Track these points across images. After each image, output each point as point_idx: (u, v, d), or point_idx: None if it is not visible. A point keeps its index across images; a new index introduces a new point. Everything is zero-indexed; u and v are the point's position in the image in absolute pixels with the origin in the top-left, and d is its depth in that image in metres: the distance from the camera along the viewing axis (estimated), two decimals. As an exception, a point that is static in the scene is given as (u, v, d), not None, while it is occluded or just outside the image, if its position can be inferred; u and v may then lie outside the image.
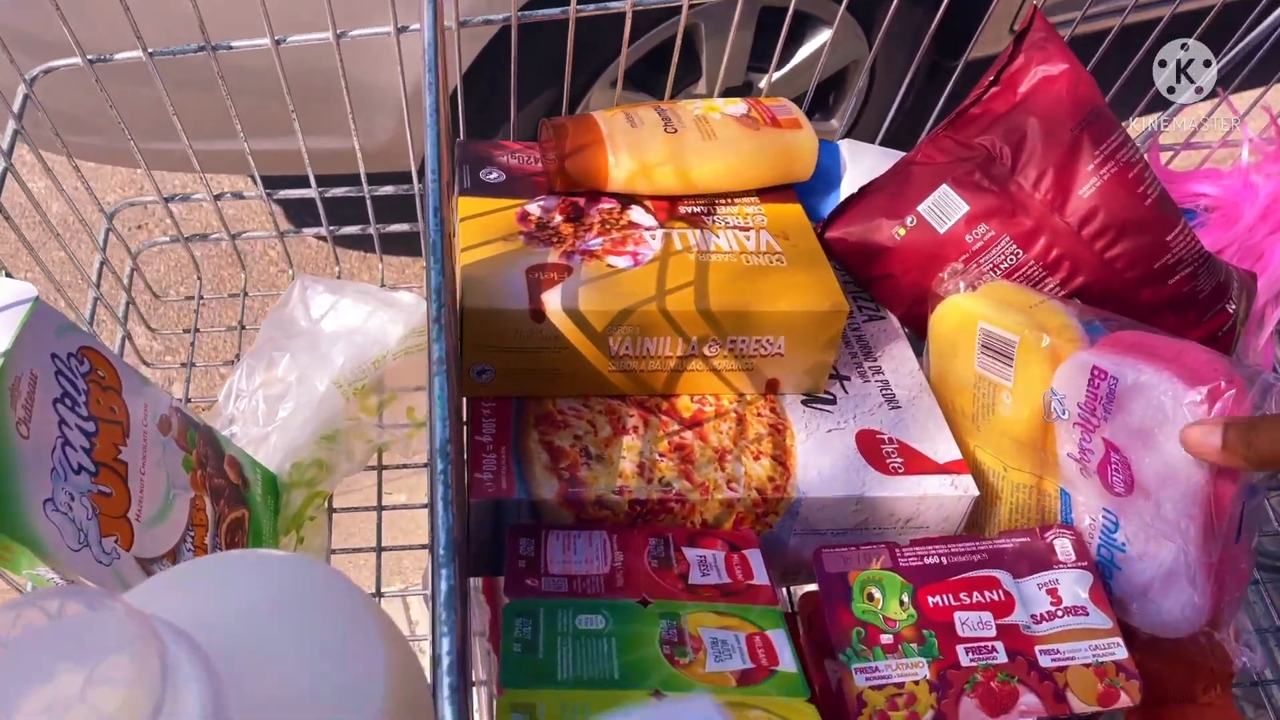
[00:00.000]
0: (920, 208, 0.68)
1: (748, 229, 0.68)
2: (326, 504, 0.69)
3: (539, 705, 0.45)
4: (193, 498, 0.58)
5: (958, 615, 0.55)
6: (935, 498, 0.60)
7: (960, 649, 0.53)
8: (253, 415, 0.69)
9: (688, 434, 0.62)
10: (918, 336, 0.73)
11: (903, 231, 0.68)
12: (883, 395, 0.66)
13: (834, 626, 0.54)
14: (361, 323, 0.72)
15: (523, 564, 0.55)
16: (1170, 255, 0.65)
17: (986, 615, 0.55)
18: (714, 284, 0.62)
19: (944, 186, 0.67)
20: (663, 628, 0.51)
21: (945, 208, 0.67)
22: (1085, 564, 0.57)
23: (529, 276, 0.61)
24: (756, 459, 0.61)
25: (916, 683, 0.52)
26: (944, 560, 0.57)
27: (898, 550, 0.57)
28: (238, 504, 0.62)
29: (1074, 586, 0.56)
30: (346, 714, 0.31)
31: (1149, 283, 0.66)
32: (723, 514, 0.59)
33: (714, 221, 0.68)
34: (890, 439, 0.63)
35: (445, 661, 0.30)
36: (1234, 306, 0.69)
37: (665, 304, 0.61)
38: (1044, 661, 0.53)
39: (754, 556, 0.57)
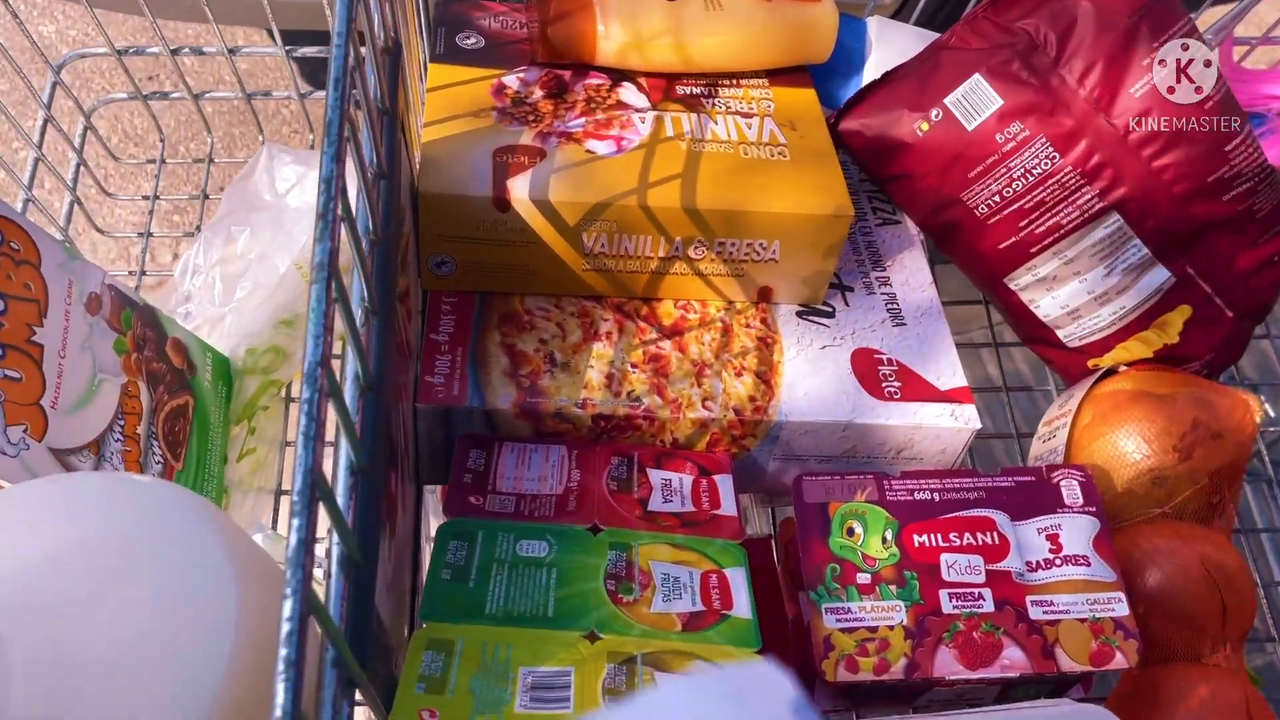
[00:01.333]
0: (948, 100, 0.60)
1: (750, 115, 0.60)
2: (283, 393, 0.65)
3: (457, 642, 0.41)
4: (124, 384, 0.54)
5: (944, 557, 0.50)
6: (932, 428, 0.55)
7: (943, 594, 0.49)
8: (209, 294, 0.65)
9: (665, 344, 0.56)
10: (936, 246, 0.66)
11: (926, 126, 0.60)
12: (888, 310, 0.60)
13: (807, 561, 0.49)
14: (329, 199, 0.66)
15: (469, 478, 0.50)
16: (1228, 168, 0.57)
17: (976, 559, 0.50)
18: (705, 178, 0.56)
19: (976, 76, 0.59)
20: (610, 560, 0.46)
21: (976, 101, 0.59)
22: (1094, 509, 0.52)
23: (495, 159, 0.54)
24: (738, 375, 0.55)
25: (891, 628, 0.48)
26: (936, 496, 0.52)
27: (886, 482, 0.52)
28: (181, 390, 0.58)
29: (1078, 533, 0.51)
30: (181, 669, 0.27)
31: (1201, 198, 0.58)
32: (695, 434, 0.54)
33: (714, 105, 0.61)
34: (889, 360, 0.57)
35: (285, 629, 0.26)
36: (1299, 230, 0.61)
37: (647, 199, 0.54)
38: (1034, 613, 0.48)
39: (724, 483, 0.52)
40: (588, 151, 0.56)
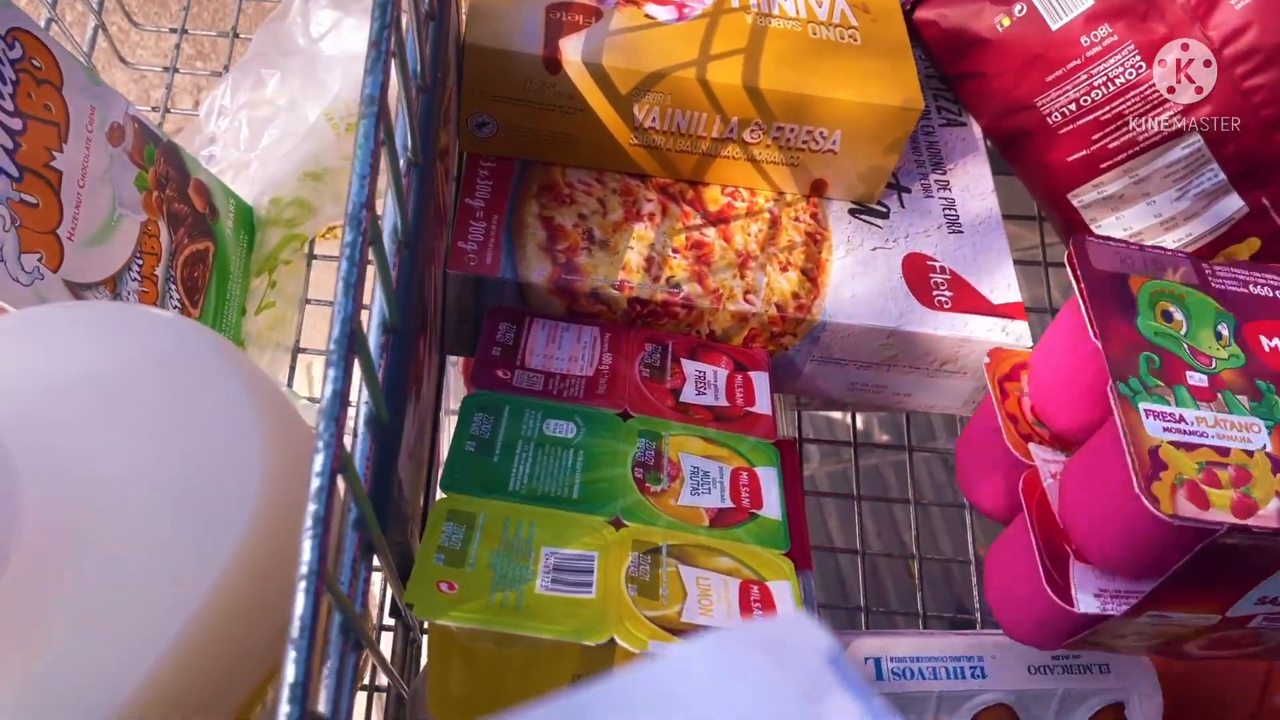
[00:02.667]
0: (1034, -5, 0.56)
1: (822, -6, 0.56)
2: (305, 248, 0.63)
3: (479, 515, 0.40)
4: (144, 222, 0.52)
5: None
6: (981, 342, 0.52)
7: None
8: (234, 137, 0.62)
9: (710, 231, 0.54)
10: (1000, 154, 0.63)
11: (1007, 21, 0.56)
12: (945, 215, 0.57)
13: (1109, 341, 0.35)
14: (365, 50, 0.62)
15: (497, 351, 0.48)
16: (1327, 95, 0.54)
17: None
18: (769, 56, 0.52)
19: (1069, -28, 0.55)
20: (639, 448, 0.45)
21: (1065, -1, 0.55)
22: None
23: (549, 16, 0.51)
24: (784, 270, 0.53)
25: (1250, 454, 0.33)
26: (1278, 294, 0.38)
27: (1206, 267, 0.39)
28: (202, 235, 0.56)
29: None
30: (201, 513, 0.26)
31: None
32: (733, 328, 0.52)
33: (783, -21, 0.57)
34: (942, 268, 0.55)
35: (314, 484, 0.24)
36: (1386, 169, 0.57)
37: (707, 73, 0.51)
38: None
39: (760, 381, 0.50)
40: (647, 16, 0.52)
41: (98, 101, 0.49)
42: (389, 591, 0.62)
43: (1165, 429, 0.33)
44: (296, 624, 0.23)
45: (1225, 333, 0.37)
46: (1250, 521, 0.31)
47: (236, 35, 0.68)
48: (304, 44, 0.63)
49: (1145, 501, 0.31)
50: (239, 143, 0.62)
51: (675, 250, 0.53)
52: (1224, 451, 0.33)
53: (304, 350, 0.62)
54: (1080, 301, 0.38)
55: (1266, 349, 0.37)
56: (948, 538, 0.81)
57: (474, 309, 0.52)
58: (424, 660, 0.51)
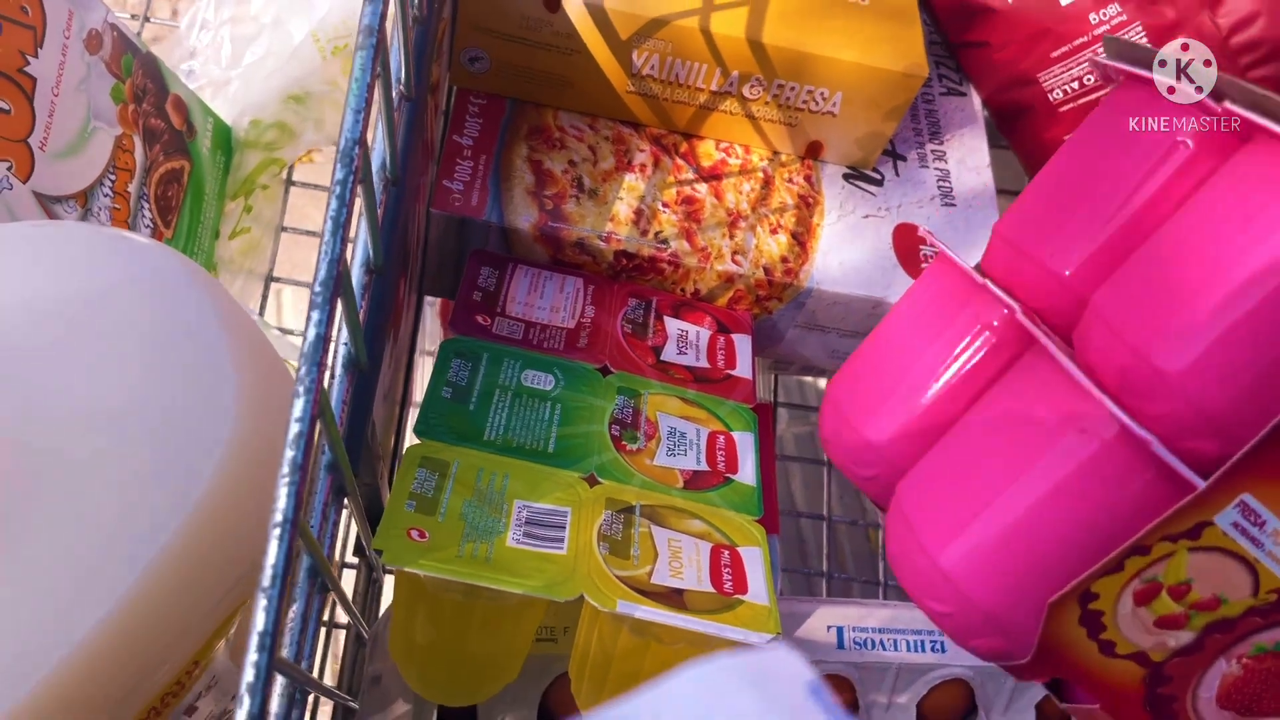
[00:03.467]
0: (1047, -32, 0.55)
1: (832, -50, 0.55)
2: (284, 174, 0.61)
3: (452, 464, 0.39)
4: (119, 135, 0.50)
5: None
6: (964, 319, 0.52)
7: None
8: (215, 53, 0.59)
9: (701, 187, 0.53)
10: (997, 128, 0.62)
11: (1017, -6, 0.55)
12: (939, 187, 0.56)
13: None
14: (357, -30, 0.60)
15: (478, 296, 0.47)
16: (1327, 90, 0.53)
17: None
18: (774, 10, 0.51)
19: (1084, -54, 0.54)
20: (618, 405, 0.44)
21: (1078, -26, 0.54)
22: None
23: (552, -48, 0.49)
24: (774, 232, 0.52)
25: None
26: None
27: None
28: (177, 153, 0.54)
29: None
30: (172, 447, 0.25)
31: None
32: (719, 288, 0.51)
33: (794, -68, 0.55)
34: (933, 242, 0.54)
35: (293, 430, 0.23)
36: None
37: (709, 22, 0.49)
38: None
39: (743, 344, 0.50)
40: (653, -40, 0.51)
41: (76, 6, 0.47)
42: (353, 528, 0.61)
43: None
44: (269, 572, 0.23)
45: None
46: None
47: (222, -55, 0.65)
48: (293, -40, 0.61)
49: None
50: (220, 59, 0.59)
51: (665, 204, 0.52)
52: None
53: (277, 279, 0.61)
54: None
55: None
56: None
57: (456, 251, 0.51)
58: (385, 602, 0.51)
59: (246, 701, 0.22)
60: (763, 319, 0.53)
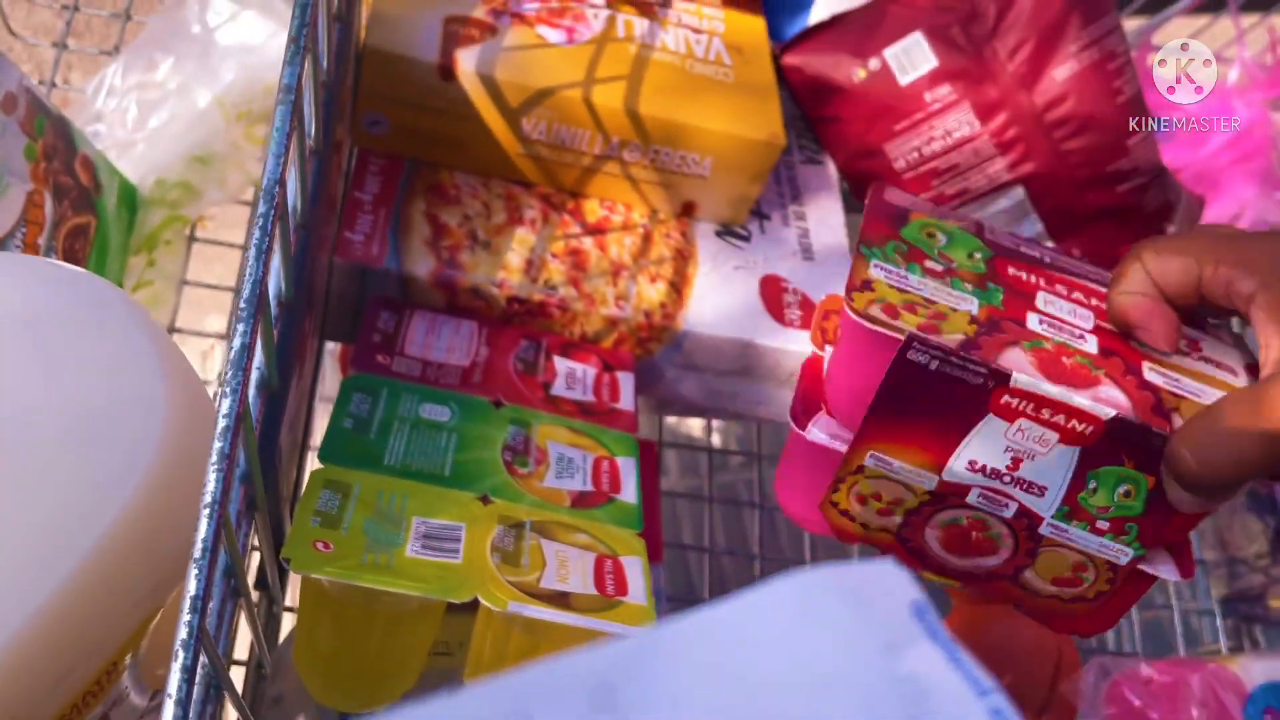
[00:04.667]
0: (887, 52, 0.62)
1: (700, 32, 0.62)
2: (188, 230, 0.64)
3: (354, 485, 0.42)
4: (30, 191, 0.52)
5: (1042, 294, 0.39)
6: (824, 359, 0.58)
7: (1032, 317, 0.38)
8: (121, 118, 0.62)
9: (587, 240, 0.58)
10: (851, 192, 0.69)
11: (863, 74, 0.63)
12: (800, 244, 0.63)
13: (867, 233, 0.39)
14: (262, 42, 0.64)
15: (378, 339, 0.51)
16: (1127, 160, 0.62)
17: (1087, 313, 0.39)
18: (649, 84, 0.57)
19: (917, 34, 0.61)
20: (510, 434, 0.48)
21: (913, 58, 0.62)
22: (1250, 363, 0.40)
23: (446, 27, 0.54)
24: (653, 281, 0.57)
25: (955, 310, 0.37)
26: (1046, 258, 0.43)
27: (986, 225, 0.43)
28: (84, 209, 0.57)
29: (1226, 354, 0.40)
30: (111, 452, 0.28)
31: (1098, 185, 0.62)
32: (604, 330, 0.56)
33: (666, 15, 0.62)
34: (795, 290, 0.60)
35: (220, 424, 0.27)
36: (1174, 229, 0.66)
37: (592, 94, 0.55)
38: (1152, 378, 0.37)
39: (625, 380, 0.54)
40: (539, 36, 0.56)
41: (-9, 68, 0.50)
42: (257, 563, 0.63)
43: (885, 274, 0.37)
44: (200, 546, 0.26)
45: (979, 256, 0.41)
46: (933, 337, 0.34)
47: (129, 17, 0.68)
48: (199, 31, 0.64)
49: (845, 302, 0.36)
50: (126, 123, 0.62)
51: (554, 255, 0.56)
52: (930, 302, 0.36)
53: (179, 330, 0.63)
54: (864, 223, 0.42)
55: (1009, 274, 0.40)
56: (787, 537, 0.87)
57: (356, 298, 0.54)
58: (283, 634, 0.52)
59: (180, 655, 0.25)
60: (645, 360, 0.58)
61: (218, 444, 0.27)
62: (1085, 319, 0.39)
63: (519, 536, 0.43)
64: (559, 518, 0.45)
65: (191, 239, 0.64)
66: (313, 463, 0.61)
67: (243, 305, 0.28)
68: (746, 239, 0.62)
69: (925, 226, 0.42)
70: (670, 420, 0.91)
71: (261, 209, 0.29)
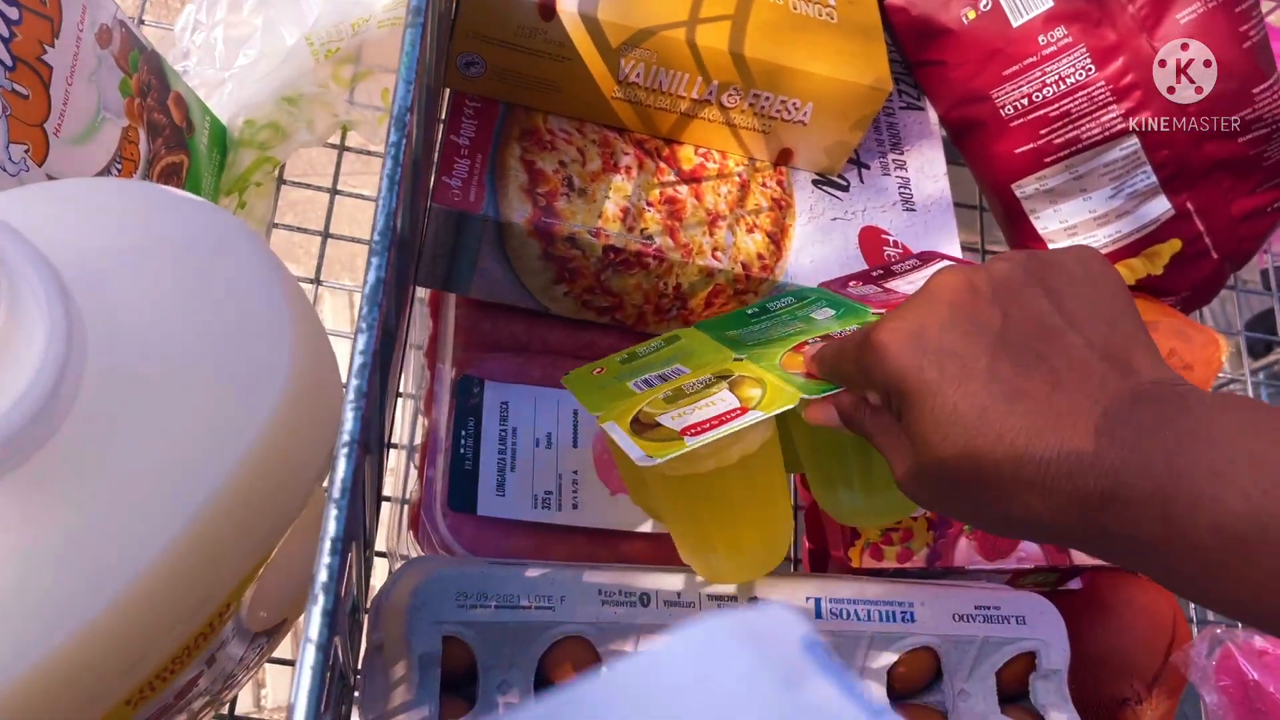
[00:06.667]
0: (1000, -7, 0.59)
1: (803, -28, 0.59)
2: (277, 172, 0.63)
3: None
4: (125, 127, 0.52)
5: None
6: (927, 314, 0.56)
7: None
8: (210, 54, 0.61)
9: (683, 188, 0.56)
10: (952, 141, 0.66)
11: (973, 14, 0.60)
12: (900, 194, 0.60)
13: None
14: (349, -20, 0.63)
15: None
16: (1251, 110, 0.59)
17: None
18: (754, 25, 0.55)
19: (1033, -26, 0.58)
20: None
21: (1027, -1, 0.59)
22: None
23: (547, -36, 0.52)
24: (750, 232, 0.56)
25: (915, 518, 0.49)
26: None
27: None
28: (177, 148, 0.56)
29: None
30: (241, 385, 0.27)
31: (1218, 136, 0.59)
32: (699, 282, 0.55)
33: (768, -46, 0.59)
34: (895, 242, 0.58)
35: (358, 361, 0.26)
36: (1294, 185, 0.63)
37: (695, 35, 0.53)
38: None
39: None
40: (640, -26, 0.54)
41: (89, 1, 0.49)
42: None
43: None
44: (339, 485, 0.25)
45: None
46: (908, 565, 0.50)
47: (215, -46, 0.67)
48: (285, -32, 0.63)
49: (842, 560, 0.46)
50: (214, 60, 0.61)
51: (649, 204, 0.55)
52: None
53: (267, 275, 0.63)
54: None
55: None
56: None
57: (451, 245, 0.53)
58: (377, 581, 0.52)
59: (321, 599, 0.24)
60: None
61: (355, 381, 0.26)
62: None
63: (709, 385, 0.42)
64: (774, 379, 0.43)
65: (280, 181, 0.64)
66: (402, 408, 0.60)
67: (376, 238, 0.27)
68: (845, 189, 0.60)
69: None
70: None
71: (393, 137, 0.28)
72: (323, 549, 0.24)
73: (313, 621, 0.24)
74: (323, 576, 0.24)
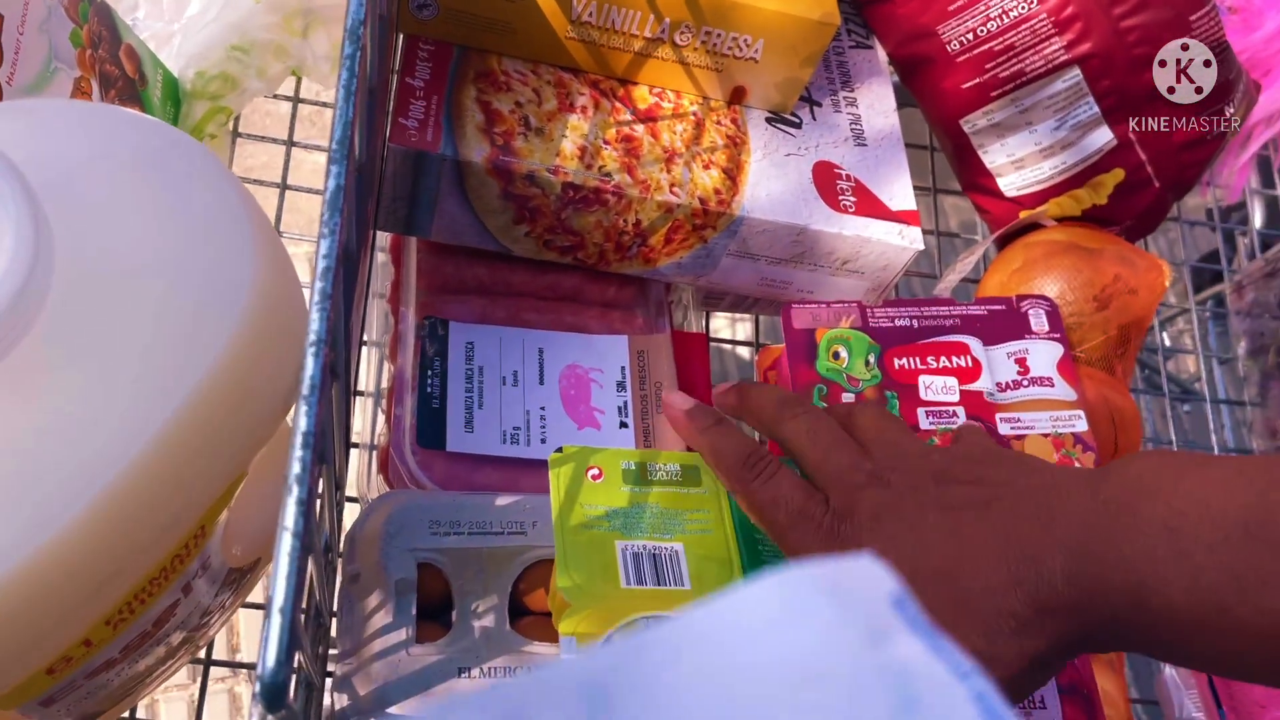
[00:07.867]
0: (943, -72, 0.60)
1: (750, -89, 0.60)
2: (230, 123, 0.63)
3: None
4: (78, 78, 0.51)
5: (923, 379, 0.53)
6: (879, 243, 0.57)
7: (921, 412, 0.52)
8: (158, 6, 0.61)
9: (639, 127, 0.57)
10: (901, 80, 0.67)
11: (917, -49, 0.61)
12: (851, 130, 0.62)
13: (796, 383, 0.52)
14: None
15: None
16: (1189, 36, 0.60)
17: (952, 380, 0.53)
18: (701, -38, 0.55)
19: (975, -92, 0.60)
20: None
21: (970, -67, 0.60)
22: (1058, 335, 0.55)
23: (496, -97, 0.53)
24: (706, 168, 0.57)
25: None
26: (915, 323, 0.55)
27: (869, 310, 0.55)
28: (131, 100, 0.56)
29: (1044, 357, 0.55)
30: (209, 291, 0.28)
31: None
32: (659, 219, 0.55)
33: (715, -106, 0.60)
34: (848, 176, 0.59)
35: (322, 265, 0.27)
36: (1232, 111, 0.65)
37: (643, -28, 0.54)
38: (1003, 429, 0.52)
39: None
40: (589, -87, 0.55)
41: (35, -51, 0.49)
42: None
43: None
44: (307, 383, 0.26)
45: (872, 360, 0.53)
46: None
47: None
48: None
49: None
50: (162, 12, 0.61)
51: (606, 142, 0.55)
52: None
53: (226, 228, 0.63)
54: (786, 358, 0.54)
55: (896, 367, 0.53)
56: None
57: (411, 187, 0.54)
58: (349, 518, 0.53)
59: (295, 489, 0.25)
60: (699, 248, 0.57)
61: (319, 284, 0.27)
62: (952, 390, 0.53)
63: None
64: None
65: (234, 133, 0.64)
66: (368, 356, 0.61)
67: (334, 147, 0.28)
68: (798, 125, 0.61)
69: (830, 345, 0.53)
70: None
71: (347, 50, 0.29)
72: (294, 443, 0.25)
73: (288, 511, 0.25)
74: (295, 469, 0.25)
